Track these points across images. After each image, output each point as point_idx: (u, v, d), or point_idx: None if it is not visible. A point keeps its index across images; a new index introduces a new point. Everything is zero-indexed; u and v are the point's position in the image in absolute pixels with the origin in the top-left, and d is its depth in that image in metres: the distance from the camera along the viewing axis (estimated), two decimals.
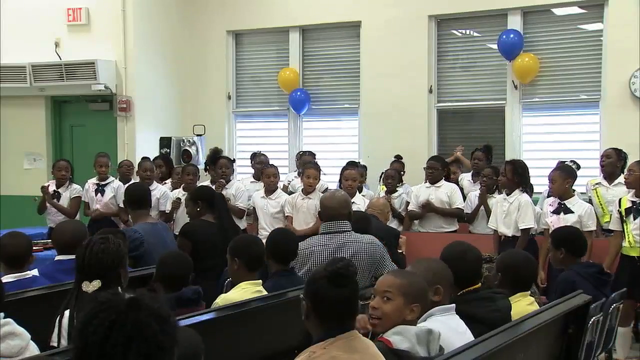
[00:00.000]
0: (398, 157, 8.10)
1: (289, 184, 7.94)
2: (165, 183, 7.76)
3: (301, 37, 9.58)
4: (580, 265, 4.41)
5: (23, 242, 3.96)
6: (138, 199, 5.40)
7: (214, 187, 6.75)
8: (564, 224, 5.49)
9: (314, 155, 8.19)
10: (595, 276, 4.35)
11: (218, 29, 9.86)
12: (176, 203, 6.97)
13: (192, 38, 9.96)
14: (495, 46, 8.37)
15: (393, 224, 6.81)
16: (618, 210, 5.68)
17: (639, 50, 7.55)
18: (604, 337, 4.26)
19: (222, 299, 3.75)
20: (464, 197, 7.08)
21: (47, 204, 7.28)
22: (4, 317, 2.64)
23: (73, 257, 3.25)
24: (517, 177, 6.10)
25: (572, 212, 5.73)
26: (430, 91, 8.77)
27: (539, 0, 8.23)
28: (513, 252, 4.41)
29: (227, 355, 3.22)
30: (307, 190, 6.72)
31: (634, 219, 5.55)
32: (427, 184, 7.04)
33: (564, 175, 5.85)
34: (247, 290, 3.75)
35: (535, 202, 6.30)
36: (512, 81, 8.37)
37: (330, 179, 7.96)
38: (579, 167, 6.74)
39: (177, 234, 5.65)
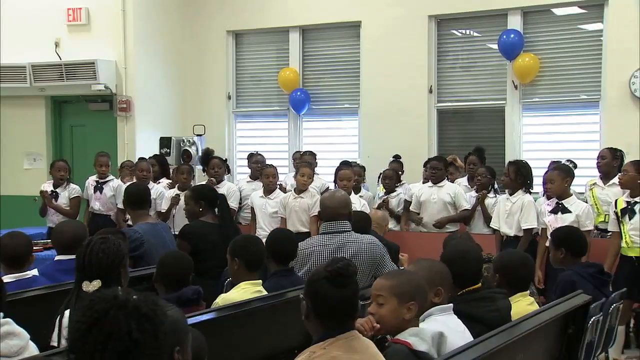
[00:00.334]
0: (396, 157, 8.11)
1: (285, 185, 7.93)
2: (160, 182, 7.75)
3: (301, 37, 9.58)
4: (580, 265, 4.41)
5: (23, 242, 3.95)
6: (138, 199, 5.39)
7: None
8: (561, 223, 5.47)
9: (315, 155, 8.19)
10: (595, 276, 4.34)
11: (218, 29, 9.86)
12: (175, 199, 6.96)
13: (192, 38, 9.96)
14: (495, 46, 8.37)
15: (390, 223, 6.81)
16: (614, 212, 5.68)
17: (639, 50, 7.55)
18: (604, 337, 4.26)
19: (222, 299, 3.75)
20: None
21: (48, 207, 7.29)
22: (3, 317, 2.64)
23: (73, 257, 3.24)
24: (520, 177, 6.11)
25: (570, 211, 5.72)
26: (430, 91, 8.77)
27: (539, 0, 8.23)
28: (510, 252, 4.42)
29: (227, 355, 3.22)
30: (300, 189, 6.71)
31: (630, 220, 5.55)
32: (430, 184, 7.05)
33: (563, 175, 5.83)
34: (247, 290, 3.75)
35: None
36: (512, 81, 8.37)
37: (330, 179, 7.93)
38: (575, 166, 6.74)
39: (176, 234, 5.65)
